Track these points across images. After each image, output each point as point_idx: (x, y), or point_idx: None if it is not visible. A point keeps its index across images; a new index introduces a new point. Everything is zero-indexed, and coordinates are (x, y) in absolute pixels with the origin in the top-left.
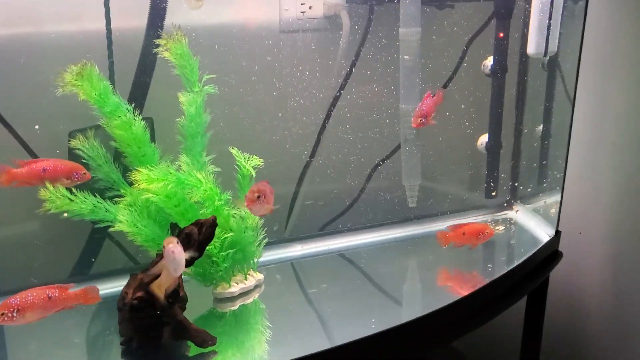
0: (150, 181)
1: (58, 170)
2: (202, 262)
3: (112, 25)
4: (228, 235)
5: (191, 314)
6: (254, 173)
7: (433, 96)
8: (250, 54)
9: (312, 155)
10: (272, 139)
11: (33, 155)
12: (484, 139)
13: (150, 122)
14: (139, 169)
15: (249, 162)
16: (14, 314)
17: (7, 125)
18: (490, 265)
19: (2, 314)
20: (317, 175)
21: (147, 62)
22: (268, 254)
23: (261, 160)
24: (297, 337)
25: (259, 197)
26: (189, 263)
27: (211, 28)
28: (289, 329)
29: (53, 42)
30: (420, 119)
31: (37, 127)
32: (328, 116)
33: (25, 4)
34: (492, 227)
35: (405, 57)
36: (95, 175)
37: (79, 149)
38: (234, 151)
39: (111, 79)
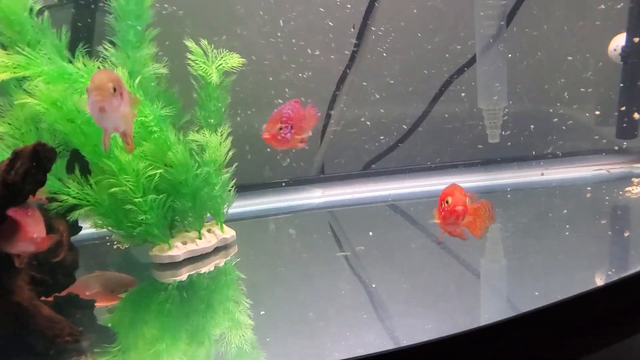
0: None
1: None
2: (114, 208)
3: None
4: (157, 171)
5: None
6: (217, 80)
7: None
8: None
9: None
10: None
11: None
12: (619, 40)
13: None
14: None
15: (218, 62)
16: None
17: None
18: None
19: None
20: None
21: None
22: (282, 200)
23: (242, 59)
24: (287, 332)
25: None
26: None
27: None
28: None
29: None
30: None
31: None
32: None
33: None
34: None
35: None
36: None
37: None
38: (191, 44)
39: None
